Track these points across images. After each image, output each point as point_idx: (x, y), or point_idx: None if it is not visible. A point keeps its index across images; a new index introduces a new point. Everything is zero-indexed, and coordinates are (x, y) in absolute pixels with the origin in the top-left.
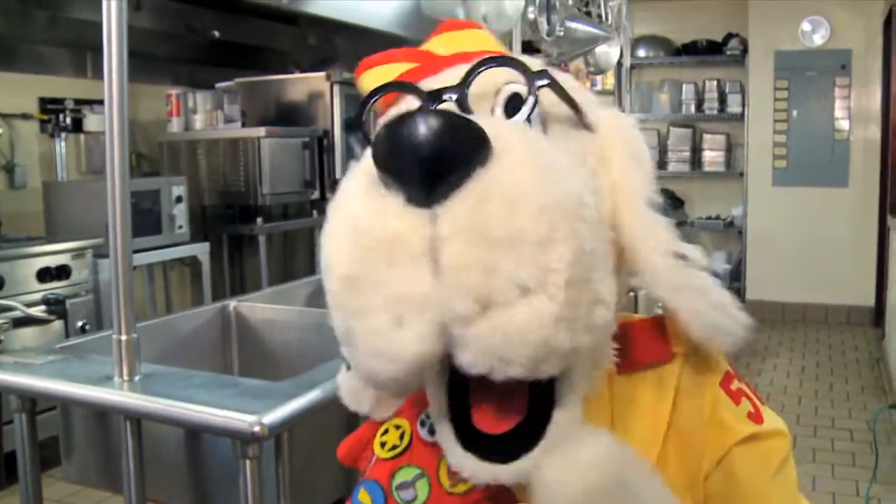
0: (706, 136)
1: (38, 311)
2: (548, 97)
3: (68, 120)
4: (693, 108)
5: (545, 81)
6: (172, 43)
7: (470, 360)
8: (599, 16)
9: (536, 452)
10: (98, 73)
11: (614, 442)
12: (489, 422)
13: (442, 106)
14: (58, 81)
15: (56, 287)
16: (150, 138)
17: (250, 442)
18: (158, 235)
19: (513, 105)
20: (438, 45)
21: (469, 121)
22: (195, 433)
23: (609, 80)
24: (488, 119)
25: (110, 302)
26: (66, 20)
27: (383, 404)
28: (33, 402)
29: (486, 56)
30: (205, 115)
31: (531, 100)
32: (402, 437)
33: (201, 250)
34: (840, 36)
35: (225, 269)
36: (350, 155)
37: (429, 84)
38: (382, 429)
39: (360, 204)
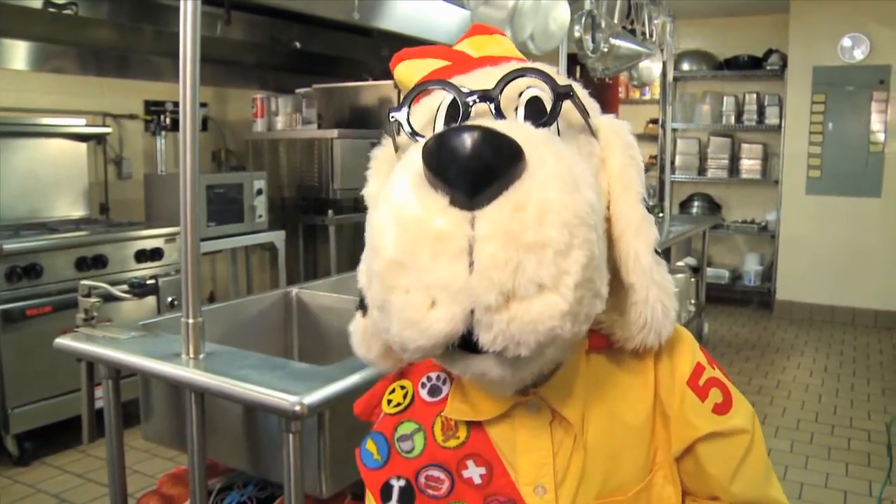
0: (744, 146)
1: (120, 290)
2: (563, 105)
3: (168, 120)
4: (733, 119)
5: (570, 94)
6: (259, 52)
7: (489, 341)
8: (644, 33)
9: None
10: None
11: None
12: None
13: (476, 107)
14: (160, 86)
15: (150, 267)
16: (238, 136)
17: (292, 419)
18: (241, 223)
19: (532, 106)
20: (469, 46)
21: (508, 138)
22: (250, 407)
23: (657, 91)
24: (521, 130)
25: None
26: (169, 33)
27: (390, 357)
28: (117, 371)
29: (521, 66)
30: (285, 117)
31: (557, 109)
32: (405, 396)
33: (277, 237)
34: (880, 52)
35: (300, 255)
36: None
37: (462, 82)
38: (390, 388)
39: (409, 199)
